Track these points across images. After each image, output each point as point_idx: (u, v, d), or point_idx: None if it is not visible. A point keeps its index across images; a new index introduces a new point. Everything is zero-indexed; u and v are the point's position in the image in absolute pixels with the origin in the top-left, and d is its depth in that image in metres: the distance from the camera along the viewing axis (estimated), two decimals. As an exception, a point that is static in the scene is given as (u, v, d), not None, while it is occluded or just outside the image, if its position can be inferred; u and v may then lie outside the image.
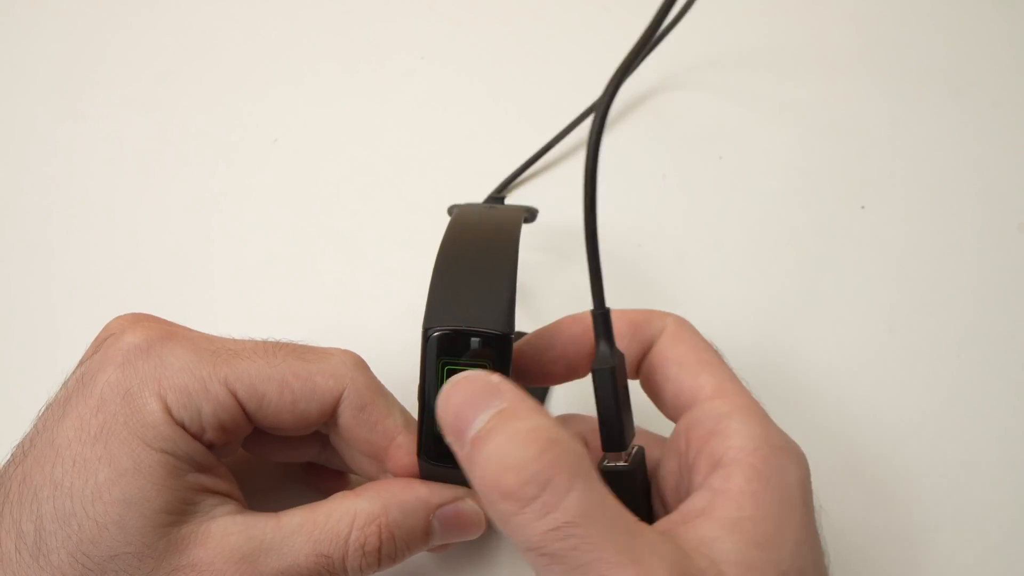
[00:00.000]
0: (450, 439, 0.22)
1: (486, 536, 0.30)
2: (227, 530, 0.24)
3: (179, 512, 0.23)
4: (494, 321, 0.24)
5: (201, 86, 0.48)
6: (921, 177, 0.43)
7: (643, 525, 0.20)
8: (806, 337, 0.37)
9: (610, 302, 0.24)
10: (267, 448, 0.29)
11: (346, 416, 0.26)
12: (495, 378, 0.22)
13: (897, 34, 0.50)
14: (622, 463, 0.24)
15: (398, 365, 0.28)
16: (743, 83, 0.47)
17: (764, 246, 0.40)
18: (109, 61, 0.49)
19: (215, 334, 0.27)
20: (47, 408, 0.25)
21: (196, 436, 0.25)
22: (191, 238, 0.41)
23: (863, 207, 0.42)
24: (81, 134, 0.45)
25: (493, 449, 0.20)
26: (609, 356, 0.24)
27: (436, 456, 0.25)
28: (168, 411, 0.24)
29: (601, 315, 0.24)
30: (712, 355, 0.26)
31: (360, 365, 0.27)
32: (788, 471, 0.22)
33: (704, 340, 0.26)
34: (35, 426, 0.25)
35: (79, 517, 0.22)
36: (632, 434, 0.24)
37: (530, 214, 0.33)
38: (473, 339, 0.24)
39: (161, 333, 0.25)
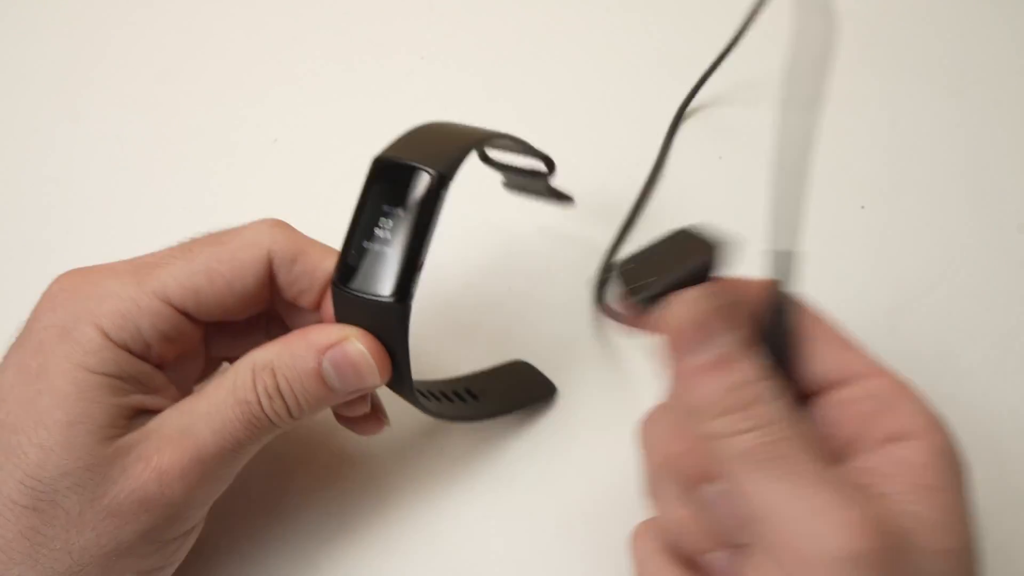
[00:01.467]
0: (674, 344, 0.23)
1: (486, 539, 0.30)
2: (165, 418, 0.25)
3: (124, 427, 0.24)
4: (437, 164, 0.24)
5: (200, 85, 0.48)
6: (921, 177, 0.43)
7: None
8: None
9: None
10: (236, 342, 0.29)
11: (283, 275, 0.27)
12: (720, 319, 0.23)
13: (897, 34, 0.50)
14: None
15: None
16: (742, 83, 0.47)
17: (763, 246, 0.40)
18: (108, 60, 0.49)
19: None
20: None
21: (142, 355, 0.25)
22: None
23: (863, 207, 0.42)
24: (80, 133, 0.45)
25: (717, 376, 0.22)
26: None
27: (350, 281, 0.25)
28: (107, 336, 0.24)
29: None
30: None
31: (280, 225, 0.27)
32: (957, 451, 0.23)
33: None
34: None
35: (23, 446, 0.23)
36: None
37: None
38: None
39: (82, 274, 0.26)
